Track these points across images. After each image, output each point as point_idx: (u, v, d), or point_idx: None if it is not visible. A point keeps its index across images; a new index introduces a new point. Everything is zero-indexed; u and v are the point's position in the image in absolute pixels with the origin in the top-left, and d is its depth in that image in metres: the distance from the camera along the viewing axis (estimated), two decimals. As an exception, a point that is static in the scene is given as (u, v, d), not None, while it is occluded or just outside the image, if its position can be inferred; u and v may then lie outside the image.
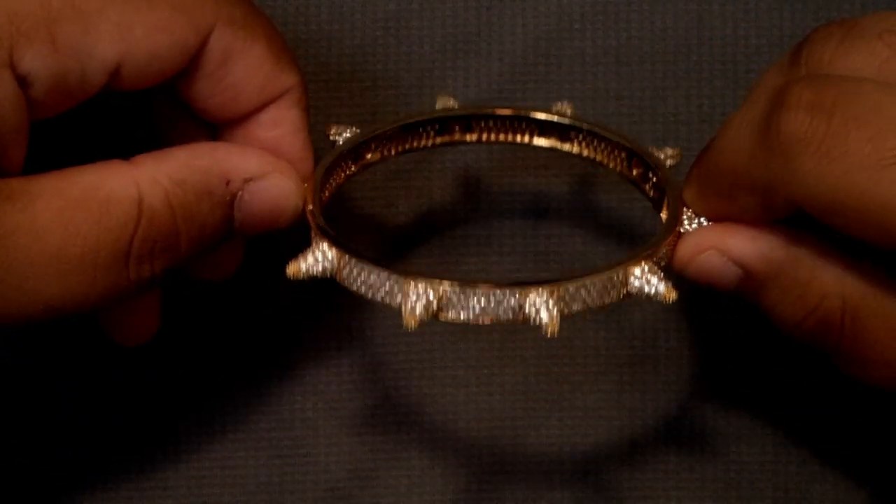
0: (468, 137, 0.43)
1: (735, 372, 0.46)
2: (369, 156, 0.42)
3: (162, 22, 0.37)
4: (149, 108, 0.41)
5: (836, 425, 0.46)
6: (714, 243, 0.38)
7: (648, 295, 0.37)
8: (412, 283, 0.36)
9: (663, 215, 0.40)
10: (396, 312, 0.45)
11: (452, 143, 0.43)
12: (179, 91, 0.39)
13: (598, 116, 0.46)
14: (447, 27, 0.46)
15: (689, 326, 0.46)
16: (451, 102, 0.43)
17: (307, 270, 0.37)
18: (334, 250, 0.37)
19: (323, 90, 0.46)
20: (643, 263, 0.37)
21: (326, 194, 0.40)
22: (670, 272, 0.38)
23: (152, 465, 0.45)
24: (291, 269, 0.37)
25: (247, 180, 0.38)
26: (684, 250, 0.38)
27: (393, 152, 0.43)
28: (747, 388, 0.46)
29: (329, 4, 0.46)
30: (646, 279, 0.37)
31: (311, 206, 0.39)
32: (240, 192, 0.38)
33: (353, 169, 0.42)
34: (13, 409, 0.45)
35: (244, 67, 0.38)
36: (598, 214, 0.46)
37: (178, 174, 0.37)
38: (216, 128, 0.40)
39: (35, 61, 0.35)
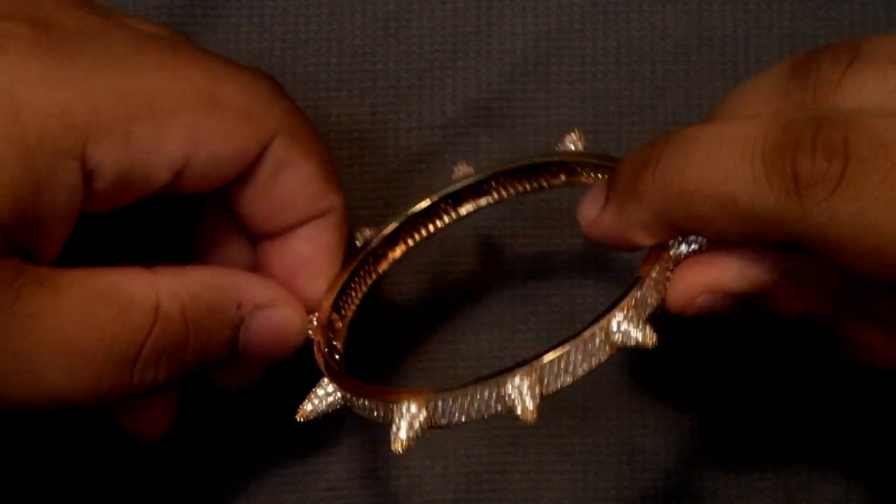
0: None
1: (735, 372, 0.46)
2: (382, 266, 0.42)
3: (228, 128, 0.37)
4: (197, 209, 0.41)
5: (836, 425, 0.46)
6: (706, 286, 0.37)
7: (630, 346, 0.37)
8: (396, 406, 0.37)
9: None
10: (395, 314, 0.46)
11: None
12: (228, 197, 0.39)
13: (598, 116, 0.46)
14: (447, 27, 0.46)
15: (690, 326, 0.46)
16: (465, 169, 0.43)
17: (314, 410, 0.39)
18: (334, 387, 0.39)
19: (323, 90, 0.46)
20: (618, 315, 0.36)
21: (340, 324, 0.41)
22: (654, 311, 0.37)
23: (152, 466, 0.45)
24: (301, 414, 0.39)
25: (257, 307, 0.39)
26: (676, 297, 0.37)
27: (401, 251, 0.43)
28: (747, 389, 0.46)
29: (329, 4, 0.46)
30: (623, 331, 0.36)
31: (324, 350, 0.39)
32: (247, 317, 0.38)
33: (366, 286, 0.42)
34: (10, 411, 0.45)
35: (295, 182, 0.39)
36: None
37: (194, 289, 0.37)
38: (253, 236, 0.41)
39: (105, 156, 0.36)
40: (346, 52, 0.46)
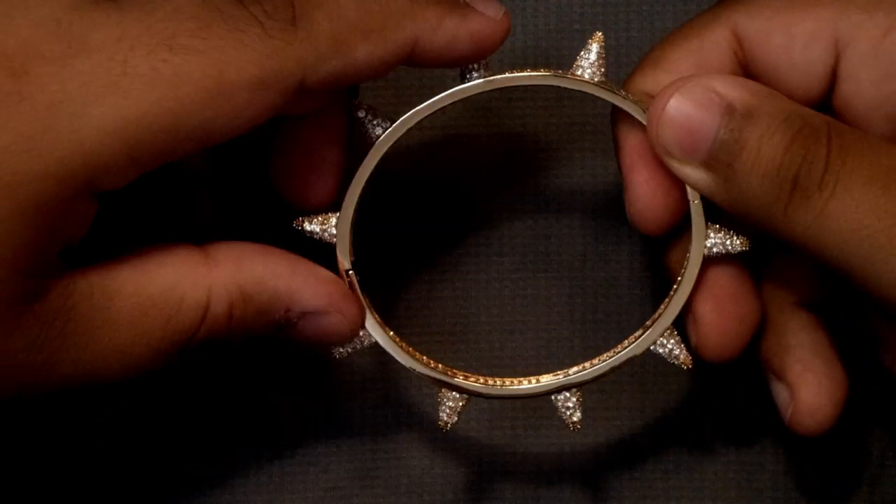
0: None
1: (735, 372, 0.46)
2: None
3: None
4: None
5: (835, 426, 0.45)
6: (697, 80, 0.38)
7: (666, 358, 0.40)
8: (443, 391, 0.40)
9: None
10: (393, 314, 0.45)
11: None
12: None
13: (599, 116, 0.46)
14: (447, 27, 0.46)
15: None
16: None
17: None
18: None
19: (323, 90, 0.46)
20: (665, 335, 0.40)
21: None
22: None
23: (152, 466, 0.45)
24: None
25: (305, 313, 0.39)
26: (664, 93, 0.38)
27: None
28: (747, 388, 0.46)
29: (329, 4, 0.46)
30: (662, 345, 0.41)
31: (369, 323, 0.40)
32: (294, 319, 0.39)
33: None
34: (9, 410, 0.45)
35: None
36: (599, 212, 0.46)
37: (247, 288, 0.38)
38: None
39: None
40: (346, 52, 0.46)
